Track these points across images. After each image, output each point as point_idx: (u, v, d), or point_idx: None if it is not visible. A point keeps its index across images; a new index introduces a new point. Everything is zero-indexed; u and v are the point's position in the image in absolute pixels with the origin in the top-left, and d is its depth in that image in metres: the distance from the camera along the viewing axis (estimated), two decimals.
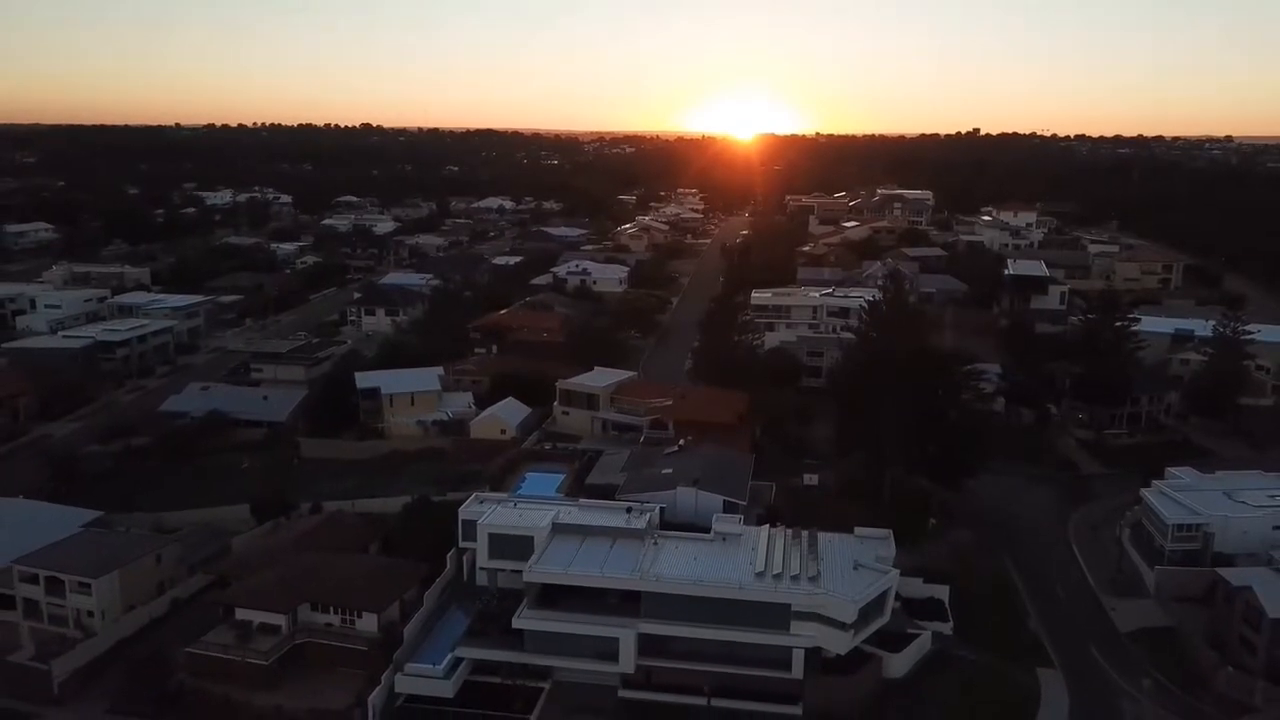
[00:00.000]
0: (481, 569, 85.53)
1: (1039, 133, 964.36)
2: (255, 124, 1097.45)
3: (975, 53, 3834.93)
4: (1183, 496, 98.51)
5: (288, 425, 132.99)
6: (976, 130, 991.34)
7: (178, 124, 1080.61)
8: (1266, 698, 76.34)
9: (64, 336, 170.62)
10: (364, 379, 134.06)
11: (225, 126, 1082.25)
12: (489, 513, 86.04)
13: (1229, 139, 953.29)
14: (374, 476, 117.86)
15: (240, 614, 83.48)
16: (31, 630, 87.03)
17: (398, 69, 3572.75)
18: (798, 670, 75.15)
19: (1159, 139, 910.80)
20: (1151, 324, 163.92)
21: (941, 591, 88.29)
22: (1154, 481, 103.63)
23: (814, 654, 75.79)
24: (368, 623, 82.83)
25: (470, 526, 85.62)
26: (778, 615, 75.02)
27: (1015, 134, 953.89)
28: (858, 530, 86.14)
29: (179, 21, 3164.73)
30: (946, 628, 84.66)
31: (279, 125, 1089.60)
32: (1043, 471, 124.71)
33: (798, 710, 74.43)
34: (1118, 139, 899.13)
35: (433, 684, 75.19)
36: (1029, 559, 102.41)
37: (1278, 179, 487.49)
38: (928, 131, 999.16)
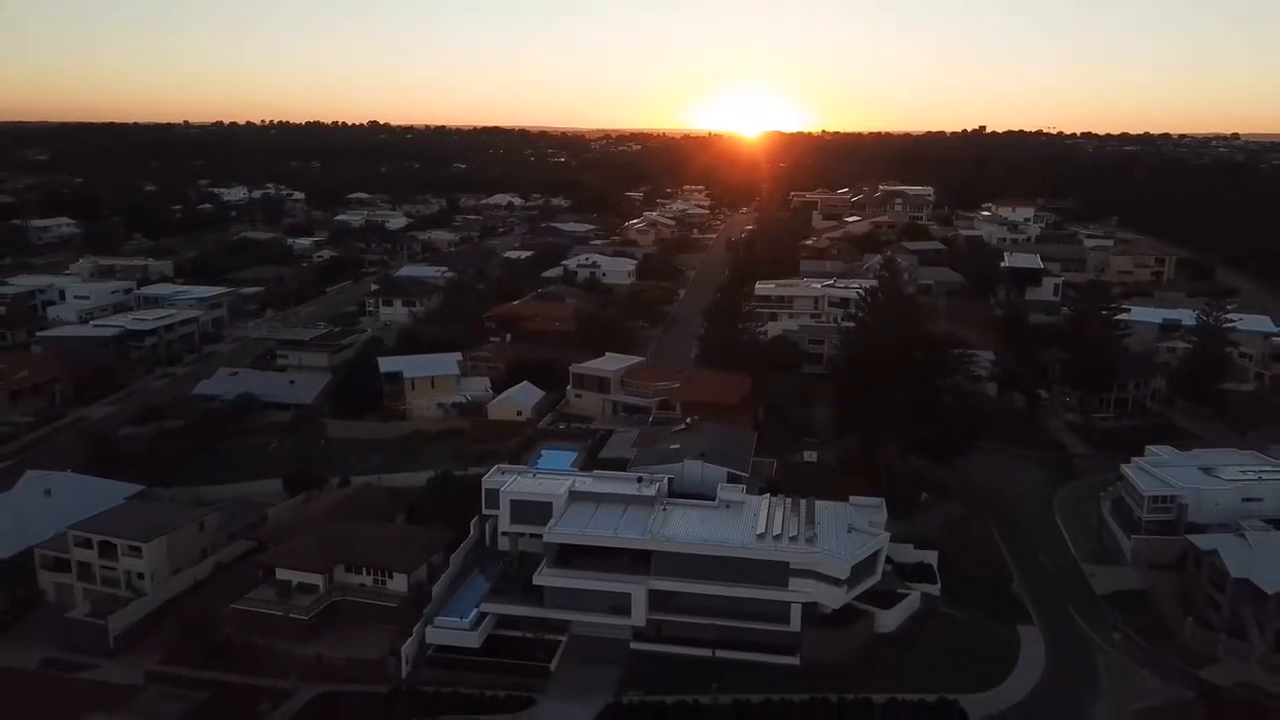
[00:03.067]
0: (503, 534, 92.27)
1: (1045, 130, 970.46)
2: (263, 122, 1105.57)
3: (982, 51, 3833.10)
4: (1159, 471, 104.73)
5: (313, 408, 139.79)
6: (982, 128, 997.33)
7: (186, 121, 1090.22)
8: (1228, 650, 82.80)
9: (95, 326, 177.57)
10: (387, 364, 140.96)
11: (233, 124, 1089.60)
12: (510, 482, 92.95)
13: (1235, 136, 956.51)
14: (397, 455, 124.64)
15: (280, 574, 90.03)
16: (85, 591, 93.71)
17: (403, 67, 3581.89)
18: (795, 623, 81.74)
19: (1165, 136, 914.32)
20: (1141, 314, 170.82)
21: (931, 557, 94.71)
22: (1134, 458, 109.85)
23: (810, 609, 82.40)
24: (398, 583, 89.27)
25: (493, 495, 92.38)
26: (777, 573, 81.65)
27: (1021, 132, 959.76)
28: (852, 499, 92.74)
29: (184, 20, 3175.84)
30: (935, 589, 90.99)
31: (286, 123, 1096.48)
32: (1032, 452, 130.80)
33: (795, 661, 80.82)
34: (1124, 136, 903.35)
35: (460, 635, 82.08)
36: (1016, 530, 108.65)
37: (1274, 174, 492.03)
38: (934, 129, 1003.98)
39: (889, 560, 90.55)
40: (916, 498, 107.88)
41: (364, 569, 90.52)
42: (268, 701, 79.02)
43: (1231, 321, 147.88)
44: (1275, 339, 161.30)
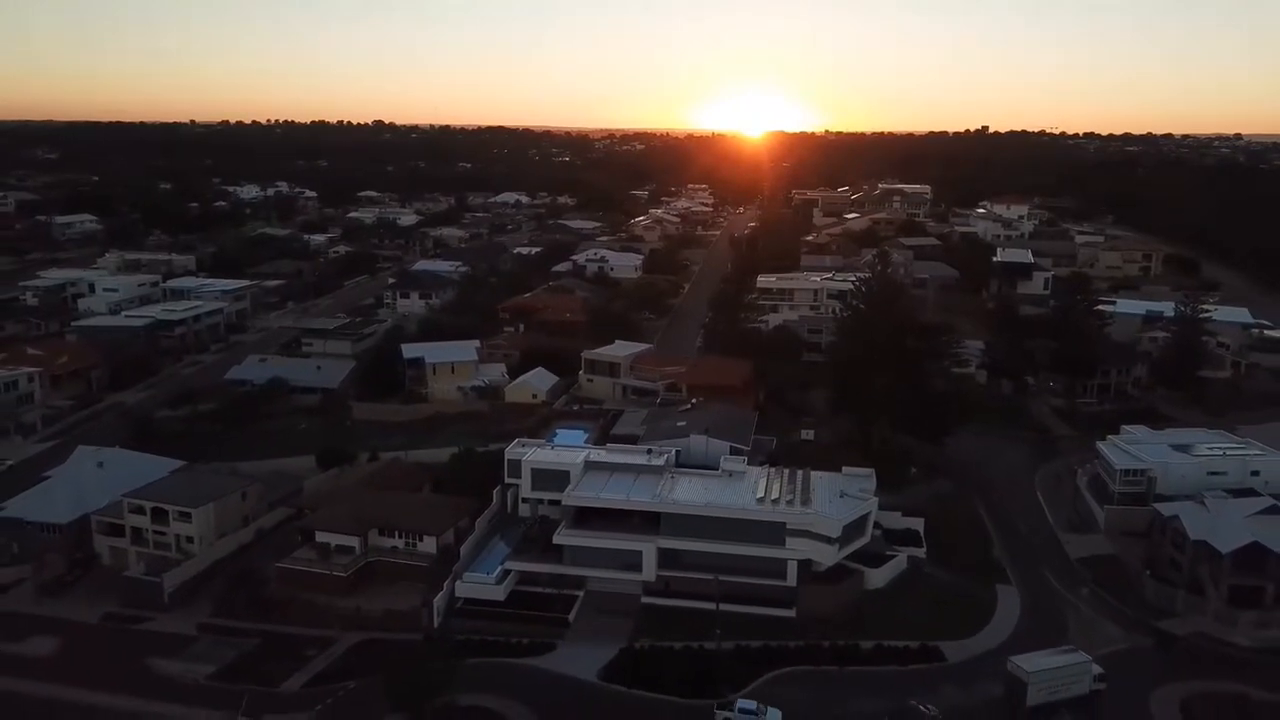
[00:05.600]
0: (524, 500, 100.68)
1: (1048, 131, 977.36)
2: (268, 121, 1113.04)
3: (985, 52, 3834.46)
4: (1132, 447, 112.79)
5: (339, 391, 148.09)
6: (985, 128, 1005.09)
7: (193, 121, 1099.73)
8: (1186, 604, 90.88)
9: (126, 316, 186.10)
10: (410, 350, 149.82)
11: (239, 123, 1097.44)
12: (530, 453, 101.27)
13: (1238, 136, 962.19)
14: (420, 434, 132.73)
15: (320, 537, 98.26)
16: (138, 554, 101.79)
17: (407, 67, 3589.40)
18: (792, 579, 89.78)
19: (1168, 136, 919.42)
20: (1126, 306, 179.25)
21: (917, 523, 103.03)
22: (1109, 436, 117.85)
23: (805, 566, 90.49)
24: (428, 545, 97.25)
25: (515, 465, 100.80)
26: (774, 532, 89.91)
27: (1024, 132, 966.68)
28: (844, 469, 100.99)
29: (186, 19, 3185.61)
30: (920, 552, 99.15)
31: (291, 122, 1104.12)
32: (1018, 434, 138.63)
33: (791, 613, 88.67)
34: (1126, 136, 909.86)
35: (487, 589, 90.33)
36: (999, 503, 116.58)
37: (1273, 174, 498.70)
38: (936, 129, 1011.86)
39: (878, 526, 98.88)
40: (906, 472, 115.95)
41: (396, 532, 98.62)
42: (314, 647, 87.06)
43: (1207, 312, 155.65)
44: (1253, 330, 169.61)
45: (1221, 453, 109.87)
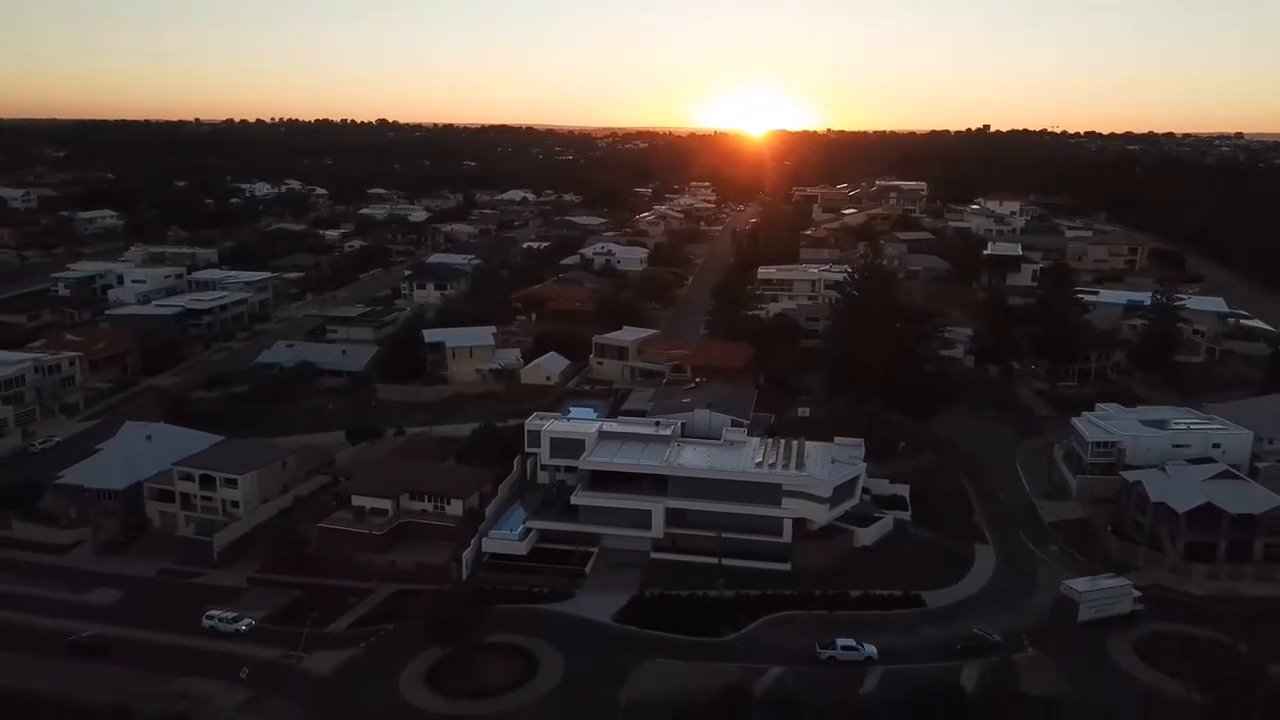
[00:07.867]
0: (543, 467, 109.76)
1: (1049, 130, 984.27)
2: (273, 119, 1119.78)
3: (987, 51, 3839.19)
4: (1104, 422, 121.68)
5: (364, 374, 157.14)
6: (986, 127, 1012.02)
7: (197, 119, 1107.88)
8: (1146, 560, 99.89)
9: (157, 305, 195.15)
10: (431, 334, 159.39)
11: (244, 122, 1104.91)
12: (549, 424, 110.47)
13: (1239, 135, 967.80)
14: (441, 413, 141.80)
15: (355, 501, 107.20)
16: (187, 518, 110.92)
17: (409, 66, 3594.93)
18: (787, 536, 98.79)
19: (1169, 135, 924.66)
20: (1110, 296, 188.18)
21: (904, 490, 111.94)
22: (1084, 413, 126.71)
23: (800, 525, 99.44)
24: (455, 508, 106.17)
25: (535, 435, 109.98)
26: (771, 493, 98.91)
27: (1025, 131, 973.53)
28: (836, 439, 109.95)
29: (188, 18, 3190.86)
30: (906, 515, 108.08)
31: (296, 120, 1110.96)
32: (1002, 414, 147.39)
33: (787, 567, 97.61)
34: (1127, 135, 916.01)
35: (510, 545, 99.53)
36: (980, 474, 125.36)
37: (1271, 174, 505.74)
38: (938, 128, 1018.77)
39: (868, 491, 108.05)
40: (895, 446, 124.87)
41: (425, 496, 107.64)
42: (355, 596, 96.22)
43: (1181, 300, 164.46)
44: (1229, 319, 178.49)
45: (1186, 426, 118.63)
